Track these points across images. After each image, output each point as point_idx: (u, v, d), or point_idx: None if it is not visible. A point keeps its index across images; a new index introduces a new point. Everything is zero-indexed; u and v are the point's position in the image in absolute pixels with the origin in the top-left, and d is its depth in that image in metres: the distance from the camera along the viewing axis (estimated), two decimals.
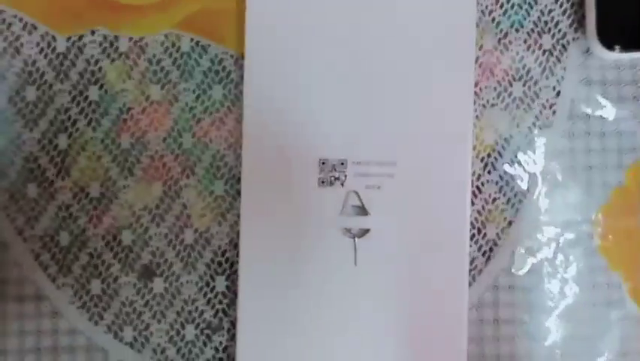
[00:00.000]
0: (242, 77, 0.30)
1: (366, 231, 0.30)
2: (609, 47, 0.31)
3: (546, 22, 0.32)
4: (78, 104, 0.30)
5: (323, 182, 0.30)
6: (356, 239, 0.30)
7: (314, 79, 0.30)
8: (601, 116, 0.32)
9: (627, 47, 0.31)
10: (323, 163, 0.30)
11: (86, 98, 0.30)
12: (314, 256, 0.29)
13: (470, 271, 0.31)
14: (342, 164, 0.30)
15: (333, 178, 0.30)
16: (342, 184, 0.30)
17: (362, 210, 0.30)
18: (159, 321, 0.31)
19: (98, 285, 0.31)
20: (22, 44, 0.30)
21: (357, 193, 0.30)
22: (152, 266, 0.31)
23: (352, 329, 0.30)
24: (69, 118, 0.30)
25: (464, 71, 0.30)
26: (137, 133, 0.31)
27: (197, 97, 0.31)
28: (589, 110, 0.32)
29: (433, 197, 0.30)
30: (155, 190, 0.31)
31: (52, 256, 0.30)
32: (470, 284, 0.31)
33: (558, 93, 0.32)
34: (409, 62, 0.30)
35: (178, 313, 0.31)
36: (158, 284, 0.31)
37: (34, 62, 0.30)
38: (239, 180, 0.31)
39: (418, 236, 0.30)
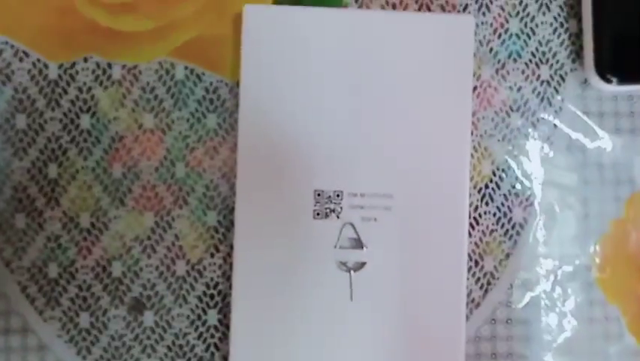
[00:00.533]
0: (237, 105, 0.30)
1: (363, 264, 0.29)
2: (606, 79, 0.31)
3: (544, 53, 0.32)
4: (69, 132, 0.30)
5: (318, 214, 0.29)
6: (352, 273, 0.29)
7: (310, 109, 0.29)
8: (599, 147, 0.32)
9: (624, 80, 0.30)
10: (318, 195, 0.29)
11: (78, 126, 0.30)
12: (309, 291, 0.29)
13: (467, 304, 0.31)
14: (338, 195, 0.29)
15: (328, 210, 0.29)
16: (338, 216, 0.29)
17: (358, 243, 0.29)
18: (149, 356, 0.30)
19: (87, 318, 0.30)
20: (12, 71, 0.30)
21: (352, 225, 0.29)
22: (143, 299, 0.30)
23: None
24: (60, 147, 0.30)
25: (462, 101, 0.30)
26: (129, 162, 0.30)
27: (191, 126, 0.30)
28: (586, 142, 0.32)
29: (430, 230, 0.30)
30: (147, 221, 0.30)
31: (40, 289, 0.30)
32: (467, 317, 0.31)
33: (555, 125, 0.32)
34: (406, 93, 0.30)
35: (169, 348, 0.30)
36: (148, 317, 0.30)
37: (24, 90, 0.30)
38: (232, 210, 0.30)
39: (415, 270, 0.29)
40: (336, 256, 0.29)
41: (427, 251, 0.29)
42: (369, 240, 0.29)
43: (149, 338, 0.30)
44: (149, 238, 0.30)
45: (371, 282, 0.29)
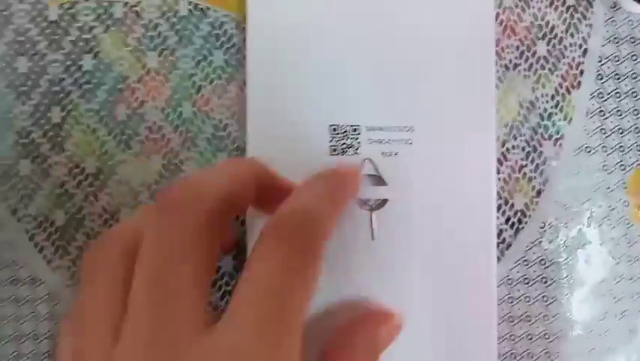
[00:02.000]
0: (244, 41, 0.28)
1: (384, 202, 0.27)
2: None
3: None
4: (72, 74, 0.29)
5: (335, 150, 0.27)
6: (373, 212, 0.27)
7: (323, 39, 0.28)
8: (632, 74, 0.30)
9: None
10: (334, 130, 0.27)
11: (80, 68, 0.29)
12: None
13: (498, 245, 0.29)
14: (355, 130, 0.27)
15: (345, 146, 0.27)
16: (356, 152, 0.27)
17: (379, 180, 0.27)
18: None
19: None
20: (12, 13, 0.29)
21: (372, 161, 0.27)
22: None
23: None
24: (62, 89, 0.29)
25: (484, 29, 0.28)
26: (133, 104, 0.29)
27: (197, 64, 0.29)
28: (619, 69, 0.30)
29: (455, 164, 0.28)
30: (154, 164, 0.29)
31: (48, 237, 0.29)
32: (499, 259, 0.29)
33: (585, 52, 0.30)
34: (426, 20, 0.28)
35: None
36: None
37: (25, 32, 0.29)
38: (243, 151, 0.29)
39: (441, 206, 0.27)
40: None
41: (453, 186, 0.28)
42: (390, 176, 0.27)
43: None
44: (157, 183, 0.29)
45: (394, 220, 0.27)
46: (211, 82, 0.29)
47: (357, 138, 0.27)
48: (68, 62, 0.29)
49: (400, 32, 0.28)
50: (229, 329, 0.18)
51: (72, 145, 0.29)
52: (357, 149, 0.27)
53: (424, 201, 0.27)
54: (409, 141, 0.27)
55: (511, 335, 0.29)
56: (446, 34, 0.28)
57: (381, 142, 0.28)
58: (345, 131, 0.27)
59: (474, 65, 0.28)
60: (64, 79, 0.29)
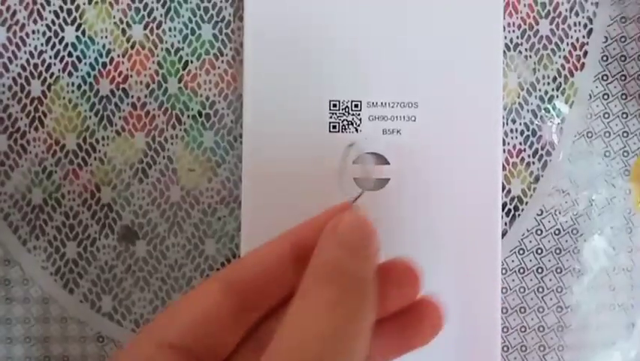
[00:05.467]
0: (234, 14, 0.27)
1: (386, 181, 0.26)
2: None
3: None
4: (53, 46, 0.27)
5: (334, 127, 0.26)
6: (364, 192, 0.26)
7: (323, 11, 0.26)
8: (638, 56, 0.29)
9: None
10: (334, 105, 0.26)
11: (62, 40, 0.27)
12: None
13: None
14: (357, 106, 0.26)
15: (346, 122, 0.26)
16: (357, 129, 0.26)
17: (380, 159, 0.26)
18: (142, 289, 0.27)
19: (74, 248, 0.27)
20: None
21: (374, 139, 0.26)
22: (134, 227, 0.27)
23: None
24: (43, 62, 0.27)
25: (492, 8, 0.27)
26: (117, 79, 0.28)
27: (185, 38, 0.28)
28: (625, 50, 0.29)
29: (460, 143, 0.26)
30: (138, 142, 0.28)
31: (24, 216, 0.27)
32: None
33: (590, 32, 0.29)
34: None
35: (163, 280, 0.27)
36: (140, 247, 0.27)
37: (3, 1, 0.27)
38: (230, 130, 0.27)
39: (444, 187, 0.26)
40: (355, 172, 0.26)
41: (457, 167, 0.26)
42: (392, 155, 0.26)
43: (141, 269, 0.27)
44: (140, 162, 0.28)
45: (395, 200, 0.26)
46: (198, 57, 0.28)
47: (358, 115, 0.26)
48: (49, 34, 0.27)
49: (404, 5, 0.27)
50: None
51: (52, 120, 0.27)
52: (358, 125, 0.26)
53: (426, 180, 0.26)
54: (413, 118, 0.26)
55: (504, 327, 0.28)
56: (450, 7, 0.27)
57: (384, 119, 0.26)
58: (345, 107, 0.26)
59: (480, 40, 0.27)
60: (44, 51, 0.27)
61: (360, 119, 0.26)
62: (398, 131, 0.26)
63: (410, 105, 0.26)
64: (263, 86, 0.26)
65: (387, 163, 0.26)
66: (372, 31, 0.26)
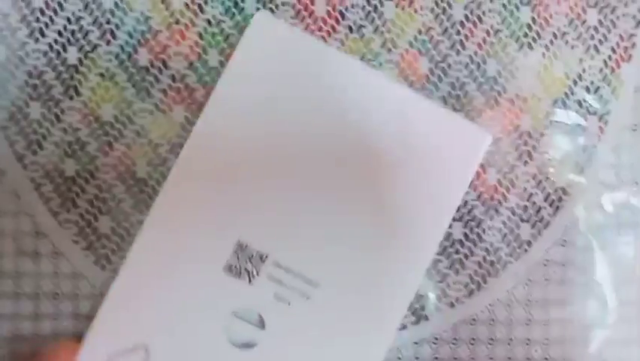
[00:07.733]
0: None
1: (252, 346, 0.23)
2: None
3: None
4: (91, 12, 0.26)
5: (230, 269, 0.23)
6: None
7: (270, 139, 0.23)
8: None
9: None
10: (241, 247, 0.23)
11: (100, 5, 0.26)
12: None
13: (535, 222, 0.27)
14: (262, 259, 0.23)
15: (244, 270, 0.23)
16: (250, 281, 0.23)
17: (259, 321, 0.23)
18: None
19: (107, 223, 0.26)
20: None
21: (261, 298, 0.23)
22: None
23: None
24: (80, 28, 0.26)
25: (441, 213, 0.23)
26: (156, 48, 0.27)
27: (227, 10, 0.27)
28: None
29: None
30: (176, 116, 0.27)
31: (56, 188, 0.26)
32: (535, 238, 0.27)
33: (639, 23, 0.28)
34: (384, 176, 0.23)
35: None
36: None
37: None
38: None
39: None
40: (230, 323, 0.23)
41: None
42: (271, 322, 0.23)
43: None
44: (178, 136, 0.27)
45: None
46: (241, 30, 0.27)
47: (259, 268, 0.23)
48: (88, 0, 0.26)
49: (349, 179, 0.23)
50: None
51: (88, 90, 0.26)
52: (253, 279, 0.23)
53: None
54: (308, 296, 0.23)
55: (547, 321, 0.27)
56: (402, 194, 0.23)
57: (280, 283, 0.23)
58: (251, 255, 0.23)
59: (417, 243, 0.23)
60: (82, 17, 0.26)
61: (257, 273, 0.23)
62: (288, 303, 0.23)
63: (310, 283, 0.23)
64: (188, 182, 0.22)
65: (262, 328, 0.23)
66: (307, 196, 0.23)
